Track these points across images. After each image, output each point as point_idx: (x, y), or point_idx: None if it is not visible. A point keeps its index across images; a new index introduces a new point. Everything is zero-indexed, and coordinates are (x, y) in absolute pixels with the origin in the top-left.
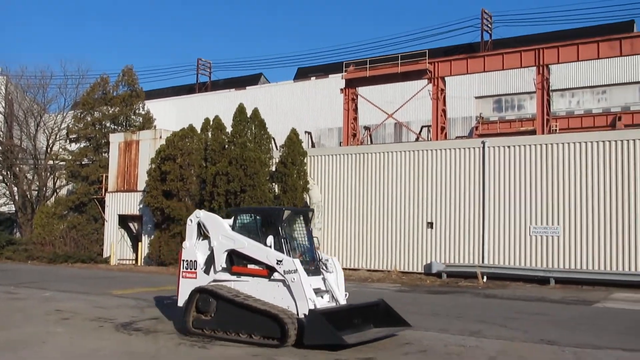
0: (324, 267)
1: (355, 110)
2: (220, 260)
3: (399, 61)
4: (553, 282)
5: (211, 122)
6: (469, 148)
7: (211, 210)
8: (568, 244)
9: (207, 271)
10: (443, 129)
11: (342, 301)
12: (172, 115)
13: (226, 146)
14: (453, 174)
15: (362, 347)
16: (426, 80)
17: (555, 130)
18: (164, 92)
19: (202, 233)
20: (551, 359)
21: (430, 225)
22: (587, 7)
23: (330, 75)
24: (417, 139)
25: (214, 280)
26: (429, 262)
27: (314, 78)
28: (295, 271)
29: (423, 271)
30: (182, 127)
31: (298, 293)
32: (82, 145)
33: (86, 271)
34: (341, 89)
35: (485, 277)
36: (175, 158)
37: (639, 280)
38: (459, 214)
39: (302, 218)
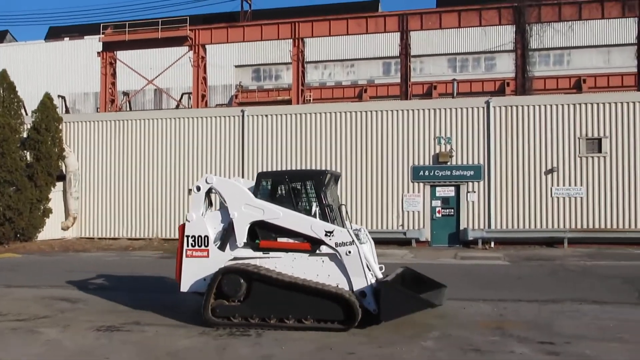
0: (356, 238)
1: (114, 75)
2: (243, 235)
3: (160, 26)
4: None
5: None
6: (229, 116)
7: None
8: None
9: (222, 247)
10: (204, 96)
11: (379, 274)
12: None
13: None
14: (213, 141)
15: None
16: (187, 47)
17: (310, 100)
18: None
19: (210, 202)
20: None
21: (190, 192)
22: None
23: (86, 37)
24: (177, 106)
25: (234, 258)
26: None
27: (67, 39)
28: (352, 243)
29: None
30: None
31: (354, 268)
32: None
33: None
34: (98, 52)
35: None
36: None
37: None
38: None
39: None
